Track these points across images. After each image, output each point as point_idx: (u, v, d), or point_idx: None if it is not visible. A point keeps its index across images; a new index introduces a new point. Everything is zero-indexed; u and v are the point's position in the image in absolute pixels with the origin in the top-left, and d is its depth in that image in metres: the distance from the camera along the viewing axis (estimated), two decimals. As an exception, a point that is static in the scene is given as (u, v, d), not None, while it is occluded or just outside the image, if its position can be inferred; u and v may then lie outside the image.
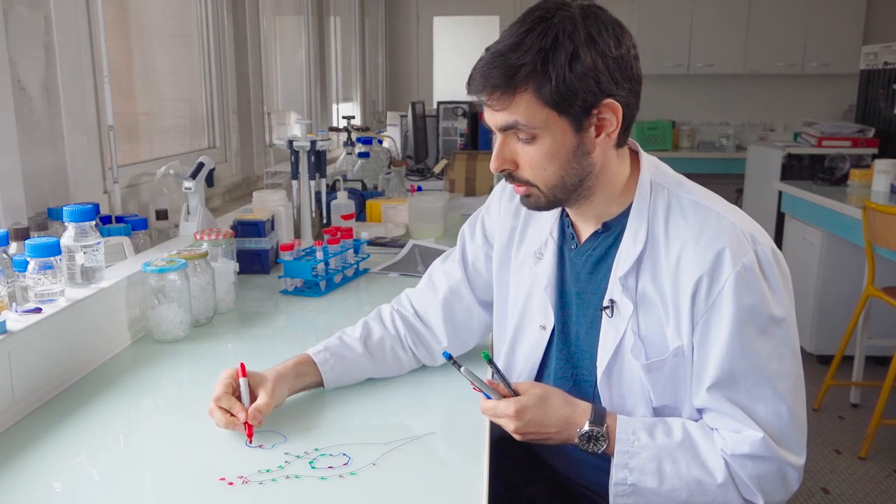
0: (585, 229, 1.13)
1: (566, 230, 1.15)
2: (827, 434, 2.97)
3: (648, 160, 1.10)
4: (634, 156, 1.11)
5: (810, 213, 3.58)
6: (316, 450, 0.99)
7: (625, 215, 1.07)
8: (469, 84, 1.02)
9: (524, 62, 0.95)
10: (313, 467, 0.94)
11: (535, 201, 1.06)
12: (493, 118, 1.02)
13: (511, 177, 1.05)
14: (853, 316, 3.04)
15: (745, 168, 5.22)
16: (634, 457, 1.00)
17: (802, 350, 3.67)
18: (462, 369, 1.04)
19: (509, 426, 1.04)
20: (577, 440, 1.03)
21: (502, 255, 1.24)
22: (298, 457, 0.97)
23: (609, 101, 0.98)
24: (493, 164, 1.04)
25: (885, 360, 3.24)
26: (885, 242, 2.78)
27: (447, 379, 1.26)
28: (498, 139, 1.04)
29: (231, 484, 0.90)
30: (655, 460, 1.00)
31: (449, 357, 1.05)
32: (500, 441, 1.14)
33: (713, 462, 0.99)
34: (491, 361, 1.05)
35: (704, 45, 5.98)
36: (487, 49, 1.01)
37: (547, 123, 0.98)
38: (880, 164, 3.46)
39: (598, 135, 1.01)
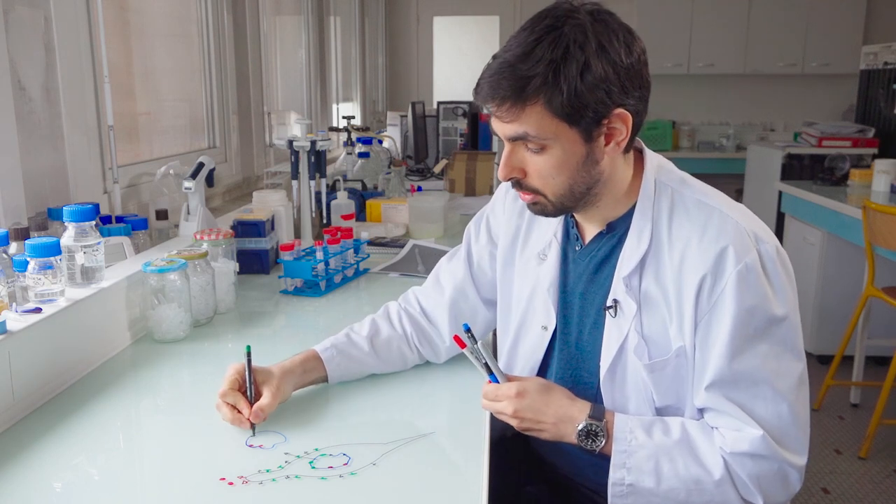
0: (590, 231, 1.13)
1: (570, 231, 1.16)
2: (827, 434, 2.97)
3: (653, 160, 1.10)
4: (638, 154, 1.10)
5: (810, 213, 3.58)
6: (316, 450, 0.99)
7: (629, 215, 1.07)
8: (476, 93, 1.00)
9: (535, 73, 0.94)
10: (313, 467, 0.94)
11: (542, 209, 1.06)
12: (501, 128, 1.00)
13: (518, 184, 1.05)
14: (853, 316, 3.04)
15: (745, 168, 5.22)
16: (632, 456, 1.00)
17: (802, 350, 3.69)
18: (479, 344, 1.05)
19: (508, 408, 1.03)
20: (574, 437, 1.03)
21: (506, 254, 1.24)
22: (298, 457, 0.97)
23: (619, 110, 0.98)
24: (500, 173, 1.04)
25: (885, 360, 3.24)
26: (885, 242, 2.78)
27: (447, 379, 1.27)
28: (506, 148, 1.03)
29: (231, 484, 0.90)
30: (653, 459, 0.99)
31: (467, 329, 1.05)
32: (500, 440, 1.14)
33: (711, 460, 0.99)
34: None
35: (704, 45, 5.98)
36: (494, 56, 0.99)
37: (557, 134, 0.97)
38: (880, 164, 3.46)
39: (607, 143, 1.00)
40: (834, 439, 2.93)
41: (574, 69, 0.93)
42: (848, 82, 5.54)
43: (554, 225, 1.18)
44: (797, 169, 4.61)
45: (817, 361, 3.57)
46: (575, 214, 1.13)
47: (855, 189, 3.55)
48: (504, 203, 1.27)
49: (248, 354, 1.09)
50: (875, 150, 4.52)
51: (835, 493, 2.54)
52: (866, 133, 4.60)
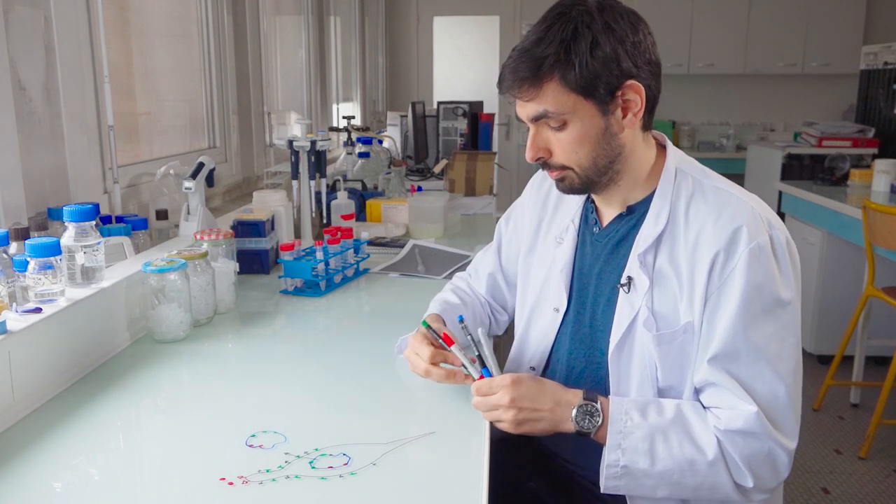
0: (609, 213, 1.17)
1: (589, 216, 1.20)
2: (827, 434, 2.97)
3: (675, 152, 1.15)
4: (661, 148, 1.16)
5: (810, 213, 3.58)
6: (316, 450, 0.99)
7: (649, 199, 1.12)
8: (500, 82, 1.08)
9: (548, 53, 1.02)
10: (313, 467, 0.95)
11: (570, 184, 1.11)
12: (524, 109, 1.07)
13: (546, 164, 1.11)
14: (853, 316, 3.04)
15: (745, 168, 5.22)
16: (627, 437, 1.01)
17: (802, 350, 3.69)
18: (480, 330, 1.10)
19: (504, 398, 1.03)
20: (571, 419, 1.04)
21: (530, 244, 1.30)
22: (298, 457, 0.97)
23: (631, 82, 1.04)
24: (528, 154, 1.10)
25: (885, 360, 3.24)
26: (885, 242, 2.78)
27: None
28: (531, 130, 1.09)
29: (231, 484, 0.90)
30: (648, 440, 1.01)
31: (462, 320, 1.11)
32: (501, 440, 1.14)
33: (705, 439, 1.00)
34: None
35: (704, 45, 5.98)
36: (514, 49, 1.06)
37: (575, 108, 1.04)
38: (880, 164, 3.46)
39: (624, 115, 1.06)
40: (834, 439, 2.93)
41: (583, 45, 1.01)
42: (848, 82, 5.54)
43: (573, 211, 1.23)
44: (797, 169, 4.62)
45: (817, 361, 3.57)
46: (595, 197, 1.18)
47: (855, 189, 3.55)
48: (531, 195, 1.34)
49: (428, 327, 1.18)
50: (875, 150, 4.52)
51: (835, 493, 2.54)
52: (866, 133, 4.61)
